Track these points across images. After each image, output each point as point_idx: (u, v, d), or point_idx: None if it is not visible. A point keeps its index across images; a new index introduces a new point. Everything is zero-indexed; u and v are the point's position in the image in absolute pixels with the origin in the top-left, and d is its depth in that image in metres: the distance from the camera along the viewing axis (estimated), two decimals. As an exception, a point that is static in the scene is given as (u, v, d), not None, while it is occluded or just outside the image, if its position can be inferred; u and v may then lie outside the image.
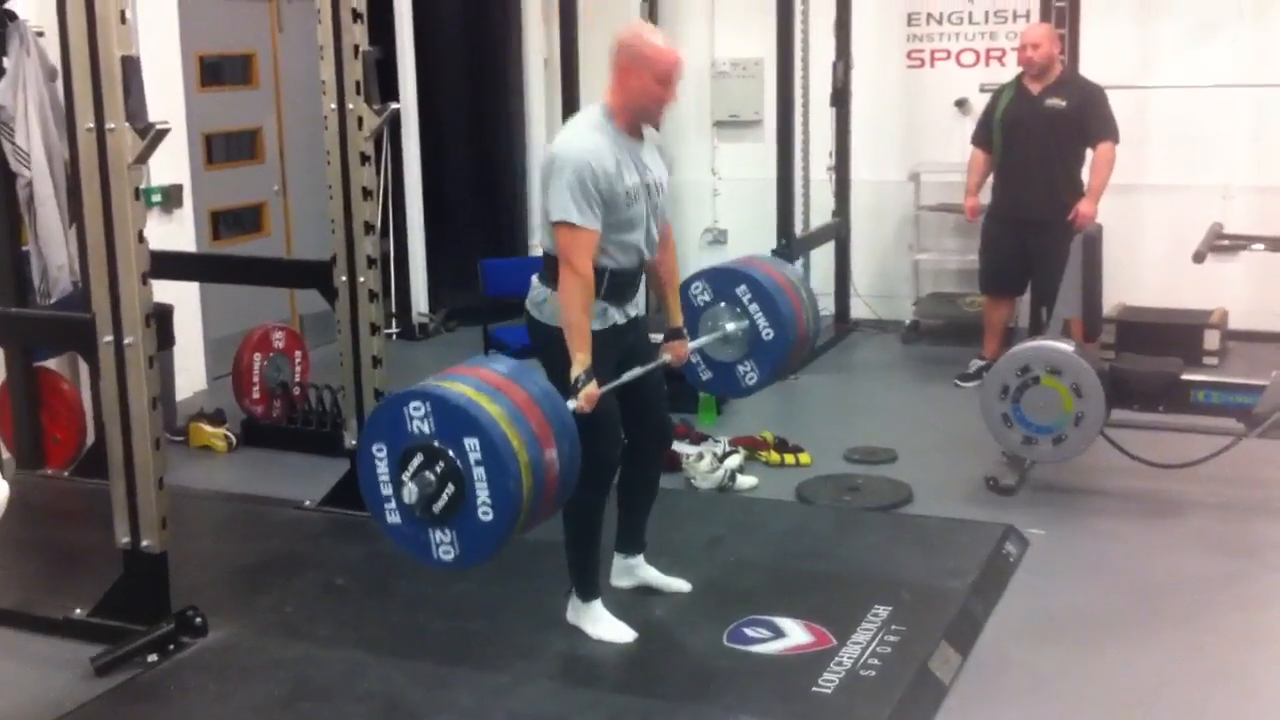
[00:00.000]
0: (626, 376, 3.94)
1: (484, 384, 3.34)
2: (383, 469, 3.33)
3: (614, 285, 3.86)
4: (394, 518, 3.35)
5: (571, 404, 3.60)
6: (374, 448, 3.34)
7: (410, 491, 3.25)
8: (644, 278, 4.07)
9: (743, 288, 4.45)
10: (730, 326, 4.45)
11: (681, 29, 8.71)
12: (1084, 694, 3.81)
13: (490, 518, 3.25)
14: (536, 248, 9.28)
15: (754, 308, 4.44)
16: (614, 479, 3.98)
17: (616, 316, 3.92)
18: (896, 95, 8.33)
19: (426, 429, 3.26)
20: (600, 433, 3.76)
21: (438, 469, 3.26)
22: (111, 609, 4.16)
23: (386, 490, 3.33)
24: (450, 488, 3.25)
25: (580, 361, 3.70)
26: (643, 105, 3.85)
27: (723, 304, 4.46)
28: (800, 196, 7.79)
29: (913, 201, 8.20)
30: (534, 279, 3.99)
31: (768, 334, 4.44)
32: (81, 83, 3.89)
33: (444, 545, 3.33)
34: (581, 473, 3.61)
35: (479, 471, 3.22)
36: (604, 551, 4.17)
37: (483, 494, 3.24)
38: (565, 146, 3.80)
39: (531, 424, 3.30)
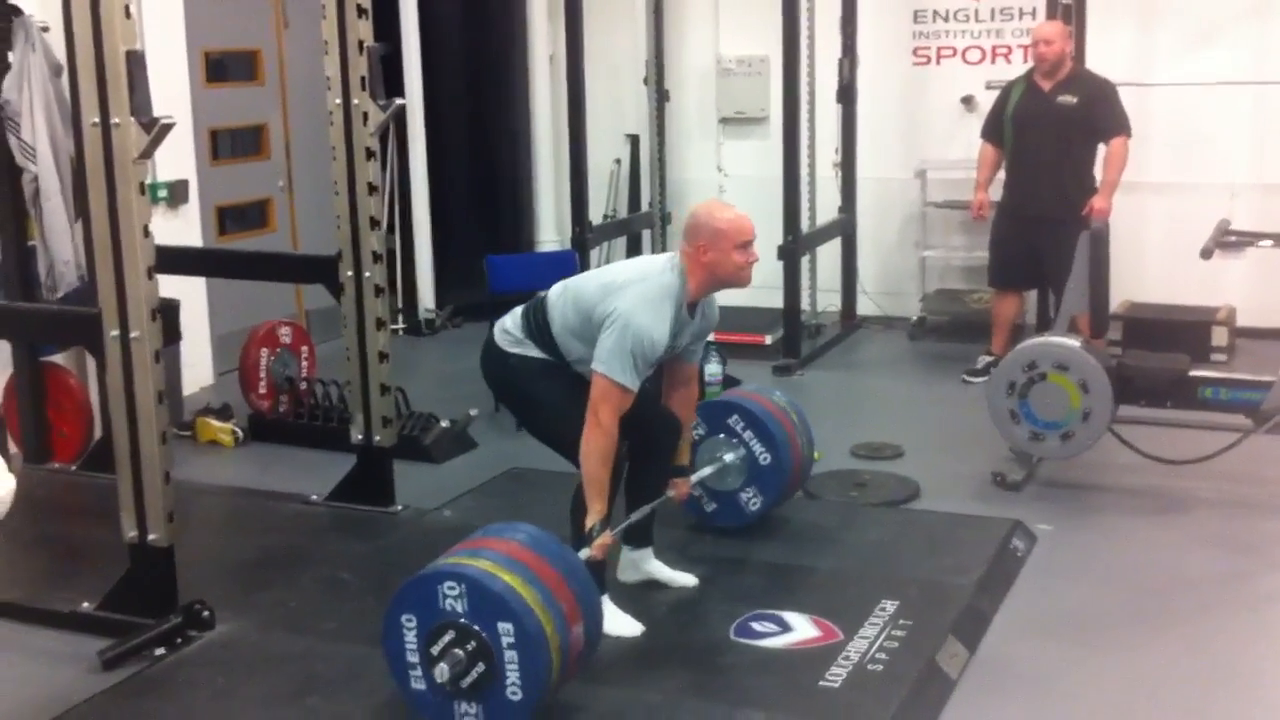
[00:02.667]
0: (635, 516, 4.08)
1: (516, 563, 3.35)
2: (411, 639, 3.35)
3: (576, 371, 3.96)
4: (419, 685, 3.37)
5: (585, 553, 3.68)
6: (404, 618, 3.36)
7: (442, 671, 3.28)
8: None
9: (734, 417, 4.63)
10: (728, 457, 4.61)
11: (687, 26, 8.73)
12: (1090, 691, 3.80)
13: (519, 698, 3.27)
14: (542, 244, 9.37)
15: (748, 435, 4.61)
16: (619, 480, 4.00)
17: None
18: (902, 92, 8.32)
19: (460, 609, 3.28)
20: (567, 424, 3.85)
21: (469, 648, 3.28)
22: (118, 603, 4.16)
23: (413, 659, 3.36)
24: (480, 666, 3.28)
25: (598, 512, 3.79)
26: (730, 274, 3.92)
27: (719, 436, 4.63)
28: (806, 193, 7.78)
29: (919, 198, 8.19)
30: (519, 320, 4.04)
31: (765, 459, 4.61)
32: (86, 78, 3.89)
33: (468, 717, 3.34)
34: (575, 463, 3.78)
35: (511, 654, 3.25)
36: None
37: (513, 675, 3.26)
38: (639, 312, 3.78)
39: (563, 606, 3.33)
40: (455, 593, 3.28)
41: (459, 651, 3.28)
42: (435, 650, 3.30)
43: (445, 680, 3.28)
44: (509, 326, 4.06)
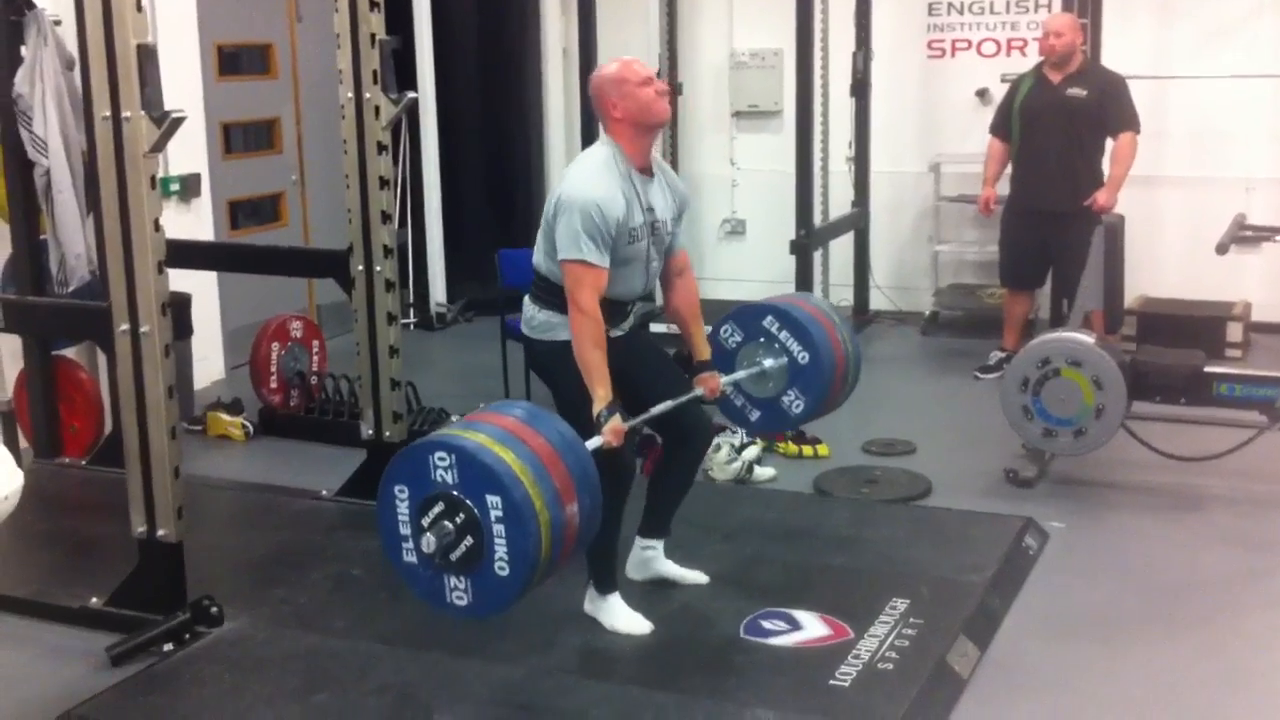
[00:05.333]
0: (656, 410, 3.93)
1: (509, 436, 3.31)
2: (403, 511, 3.32)
3: (603, 311, 3.83)
4: (410, 557, 3.34)
5: (596, 441, 3.60)
6: (396, 489, 3.33)
7: (429, 542, 3.25)
8: (635, 305, 4.09)
9: (769, 319, 4.40)
10: (768, 362, 4.38)
11: (701, 20, 8.72)
12: (1102, 691, 3.78)
13: (506, 573, 3.24)
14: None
15: (784, 335, 4.38)
16: (632, 482, 3.97)
17: (608, 331, 3.87)
18: (917, 86, 8.29)
19: (450, 479, 3.25)
20: (576, 416, 3.74)
21: (458, 520, 3.24)
22: (127, 598, 4.16)
23: (405, 531, 3.33)
24: (469, 539, 3.24)
25: (601, 397, 3.71)
26: (644, 112, 3.83)
27: (758, 340, 4.41)
28: (819, 187, 7.77)
29: (932, 192, 8.15)
30: (525, 300, 4.01)
31: (803, 358, 4.36)
32: (98, 71, 3.88)
33: (458, 591, 3.31)
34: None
35: (499, 529, 3.21)
36: (623, 544, 4.15)
37: (501, 550, 3.22)
38: (576, 187, 3.76)
39: (555, 480, 3.27)
40: (446, 463, 3.24)
41: (448, 524, 3.24)
42: (425, 522, 3.27)
43: (433, 551, 3.24)
44: (527, 308, 4.00)
